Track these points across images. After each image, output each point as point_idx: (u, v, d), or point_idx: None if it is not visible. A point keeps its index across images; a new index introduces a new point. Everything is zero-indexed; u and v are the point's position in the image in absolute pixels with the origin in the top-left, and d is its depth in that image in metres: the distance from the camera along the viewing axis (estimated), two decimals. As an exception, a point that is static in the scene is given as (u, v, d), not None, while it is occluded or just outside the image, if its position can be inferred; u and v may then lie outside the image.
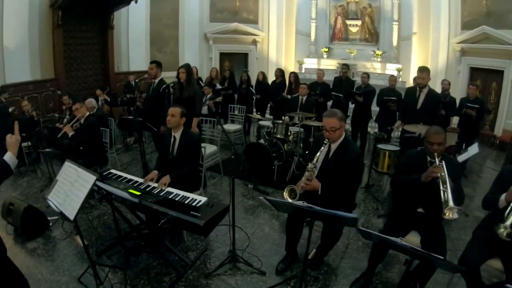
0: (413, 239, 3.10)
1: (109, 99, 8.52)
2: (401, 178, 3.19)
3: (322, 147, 3.13)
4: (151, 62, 5.61)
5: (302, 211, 2.64)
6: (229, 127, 7.62)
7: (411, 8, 11.73)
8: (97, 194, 3.43)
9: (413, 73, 11.51)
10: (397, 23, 12.03)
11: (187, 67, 5.44)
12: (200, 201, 3.06)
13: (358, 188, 3.45)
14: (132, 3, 9.07)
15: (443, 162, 2.89)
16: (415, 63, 11.76)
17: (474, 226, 3.07)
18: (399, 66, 11.74)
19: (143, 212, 3.49)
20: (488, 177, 6.73)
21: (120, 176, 3.64)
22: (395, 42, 12.21)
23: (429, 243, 2.92)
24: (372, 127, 8.04)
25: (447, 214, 2.58)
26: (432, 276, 2.97)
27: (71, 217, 2.42)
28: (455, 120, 7.82)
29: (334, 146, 3.21)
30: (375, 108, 7.50)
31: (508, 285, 2.22)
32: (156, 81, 5.48)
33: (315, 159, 3.10)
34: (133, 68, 10.70)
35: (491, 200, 2.84)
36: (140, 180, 3.58)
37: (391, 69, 11.84)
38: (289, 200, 3.01)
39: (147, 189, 3.38)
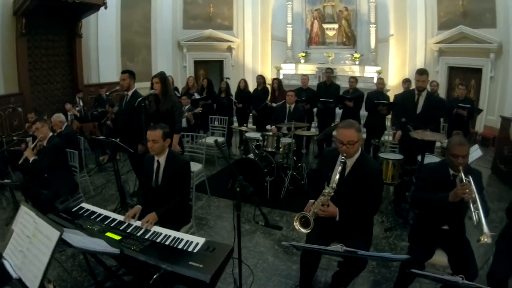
0: (439, 259, 2.84)
1: (79, 115, 7.86)
2: (424, 197, 2.82)
3: (339, 166, 2.67)
4: (123, 72, 4.96)
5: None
6: (212, 140, 7.06)
7: (388, 11, 11.72)
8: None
9: (392, 75, 11.63)
10: (374, 25, 12.01)
11: (162, 76, 4.77)
12: (197, 243, 2.48)
13: (378, 209, 3.02)
14: (102, 9, 8.39)
15: (470, 177, 2.59)
16: (393, 64, 11.82)
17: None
18: (379, 68, 11.67)
19: (126, 264, 2.85)
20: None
21: (93, 213, 2.98)
22: (372, 45, 12.16)
23: (458, 262, 2.69)
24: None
25: (482, 240, 2.33)
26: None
27: (33, 289, 1.80)
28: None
29: (350, 163, 2.78)
30: (363, 113, 7.24)
31: None
32: (130, 93, 4.83)
33: (334, 183, 2.64)
34: (103, 79, 9.93)
35: None
36: (119, 217, 2.94)
37: (370, 71, 11.80)
38: (302, 229, 2.59)
39: (129, 230, 2.73)
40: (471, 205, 2.46)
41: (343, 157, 2.69)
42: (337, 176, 2.65)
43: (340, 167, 2.68)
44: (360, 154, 2.81)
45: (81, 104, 8.17)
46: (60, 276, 3.36)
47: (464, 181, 2.57)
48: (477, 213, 2.41)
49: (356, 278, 3.16)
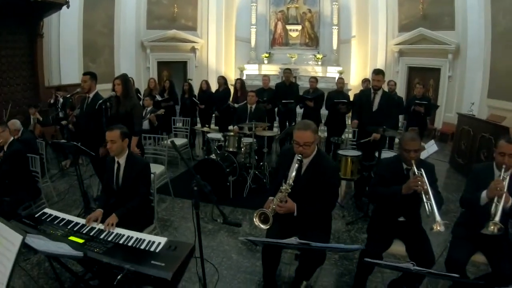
0: (398, 249, 2.99)
1: (41, 119, 7.57)
2: (379, 191, 2.97)
3: (296, 164, 2.74)
4: (84, 74, 4.86)
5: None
6: (175, 141, 6.99)
7: (350, 13, 12.07)
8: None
9: (353, 75, 11.97)
10: (336, 27, 12.30)
11: (123, 77, 4.75)
12: (159, 243, 2.50)
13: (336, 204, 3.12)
14: (64, 8, 8.12)
15: (422, 170, 2.76)
16: (355, 65, 12.17)
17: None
18: (340, 68, 11.93)
19: (90, 267, 2.79)
20: (436, 168, 6.85)
21: (56, 218, 2.93)
22: (335, 46, 12.45)
23: (415, 251, 2.83)
24: (321, 131, 7.89)
25: (435, 228, 2.50)
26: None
27: (-3, 297, 1.76)
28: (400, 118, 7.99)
29: (306, 161, 2.86)
30: (324, 112, 7.43)
31: None
32: (91, 95, 4.74)
33: (290, 180, 2.71)
34: (65, 81, 9.56)
35: (472, 199, 2.83)
36: (82, 221, 2.90)
37: (333, 72, 12.05)
38: (261, 226, 2.66)
39: (92, 234, 2.72)
40: (423, 196, 2.61)
41: (299, 156, 2.76)
42: (294, 174, 2.72)
43: (296, 165, 2.75)
44: (317, 152, 2.89)
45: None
46: (26, 285, 3.23)
47: (417, 173, 2.72)
48: (429, 203, 2.57)
49: (319, 270, 3.26)
